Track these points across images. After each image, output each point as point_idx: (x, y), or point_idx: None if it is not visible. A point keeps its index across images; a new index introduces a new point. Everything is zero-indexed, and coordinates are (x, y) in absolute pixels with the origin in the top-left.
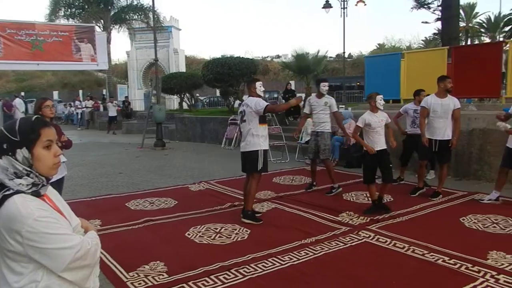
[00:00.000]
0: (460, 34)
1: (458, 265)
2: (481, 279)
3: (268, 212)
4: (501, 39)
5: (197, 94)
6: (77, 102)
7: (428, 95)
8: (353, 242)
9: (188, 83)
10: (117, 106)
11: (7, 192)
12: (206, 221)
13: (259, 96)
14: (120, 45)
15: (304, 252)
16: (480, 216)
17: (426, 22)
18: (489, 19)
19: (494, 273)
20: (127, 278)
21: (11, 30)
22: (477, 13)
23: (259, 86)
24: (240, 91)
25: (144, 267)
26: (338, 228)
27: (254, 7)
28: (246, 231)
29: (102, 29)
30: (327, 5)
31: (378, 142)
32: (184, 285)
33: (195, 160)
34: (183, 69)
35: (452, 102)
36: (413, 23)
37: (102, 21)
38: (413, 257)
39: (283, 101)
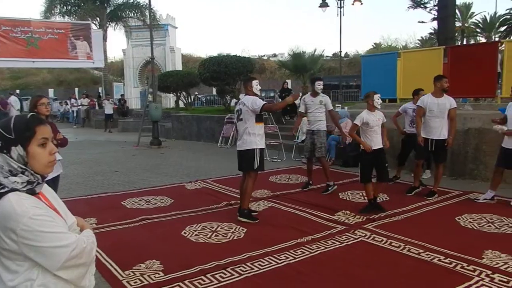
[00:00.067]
0: (456, 34)
1: (454, 264)
2: (477, 278)
3: (264, 211)
4: (497, 39)
5: (196, 93)
6: (72, 100)
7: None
8: (349, 241)
9: (185, 81)
10: (113, 104)
11: (2, 190)
12: (202, 219)
13: (255, 94)
14: (116, 43)
15: (300, 251)
16: (475, 215)
17: (422, 22)
18: (484, 19)
19: (489, 272)
20: (122, 277)
21: (6, 27)
22: (473, 13)
23: (256, 85)
24: (237, 89)
25: (140, 266)
26: (334, 227)
27: (250, 5)
28: (242, 230)
29: (98, 26)
30: (324, 4)
31: (375, 141)
32: (180, 283)
33: (192, 158)
34: (179, 67)
35: (448, 101)
36: (409, 22)
37: (98, 18)
38: (409, 256)
39: (280, 100)
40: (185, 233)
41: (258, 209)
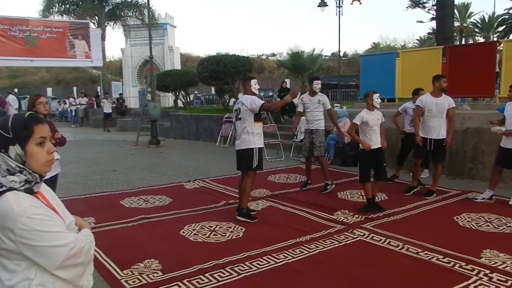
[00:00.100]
0: (455, 34)
1: (452, 263)
2: (475, 278)
3: (263, 210)
4: (495, 39)
5: (196, 92)
6: (71, 99)
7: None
8: (347, 241)
9: (183, 80)
10: (112, 103)
11: (0, 190)
12: (201, 219)
13: (254, 94)
14: (114, 42)
15: (299, 250)
16: (473, 214)
17: (421, 22)
18: (483, 19)
19: (487, 271)
20: (121, 276)
21: (4, 26)
22: (471, 13)
23: (254, 84)
24: (236, 89)
25: (139, 265)
26: (333, 226)
27: (249, 4)
28: (241, 229)
29: (96, 25)
30: (323, 4)
31: (374, 140)
32: (179, 283)
33: (190, 158)
34: (178, 66)
35: (447, 101)
36: (408, 22)
37: (96, 17)
38: (408, 255)
39: (279, 99)
40: (183, 232)
41: (257, 208)
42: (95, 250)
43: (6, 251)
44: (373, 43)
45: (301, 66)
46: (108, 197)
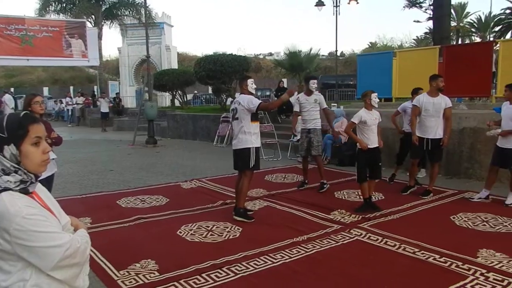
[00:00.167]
0: (451, 34)
1: (449, 263)
2: (471, 277)
3: (260, 210)
4: (492, 38)
5: (196, 91)
6: (67, 99)
7: None
8: (344, 240)
9: (180, 80)
10: (109, 102)
11: None
12: (198, 219)
13: (250, 93)
14: (111, 41)
15: (296, 250)
16: (470, 214)
17: (418, 21)
18: (479, 19)
19: (484, 271)
20: (117, 277)
21: (0, 25)
22: (468, 12)
23: (251, 84)
24: (233, 88)
25: (135, 265)
26: (330, 226)
27: (246, 3)
28: (238, 229)
29: (93, 24)
30: (320, 3)
31: (372, 140)
32: (175, 283)
33: (187, 157)
34: (175, 66)
35: (443, 101)
36: (405, 22)
37: (93, 16)
38: (404, 255)
39: (275, 99)
40: (180, 232)
41: (254, 208)
42: (91, 251)
43: (1, 252)
44: (370, 42)
45: (298, 66)
46: (105, 197)
